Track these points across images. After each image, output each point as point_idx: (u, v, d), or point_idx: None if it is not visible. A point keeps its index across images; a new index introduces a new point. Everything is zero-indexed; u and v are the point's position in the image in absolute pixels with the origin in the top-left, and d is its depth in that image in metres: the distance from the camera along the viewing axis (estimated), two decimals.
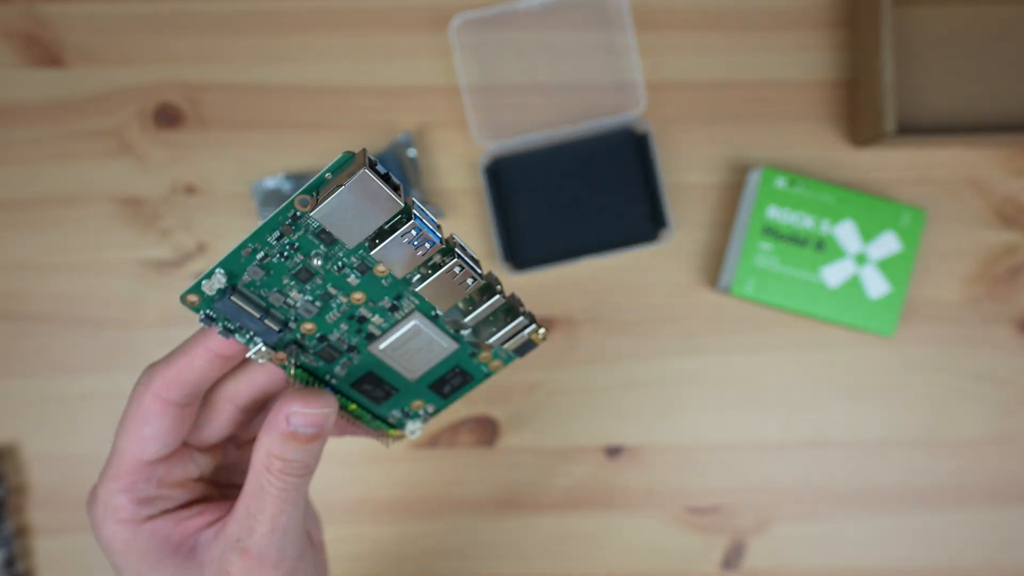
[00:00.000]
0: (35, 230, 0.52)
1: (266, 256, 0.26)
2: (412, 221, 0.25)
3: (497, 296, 0.27)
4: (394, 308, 0.28)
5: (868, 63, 0.50)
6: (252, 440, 0.32)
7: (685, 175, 0.53)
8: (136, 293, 0.52)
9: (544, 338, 0.28)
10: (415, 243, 0.25)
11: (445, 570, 0.52)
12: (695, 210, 0.53)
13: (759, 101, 0.53)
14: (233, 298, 0.26)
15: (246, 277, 0.26)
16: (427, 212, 0.25)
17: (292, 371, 0.28)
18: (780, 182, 0.50)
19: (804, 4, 0.53)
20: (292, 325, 0.27)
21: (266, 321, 0.27)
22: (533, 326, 0.28)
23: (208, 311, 0.26)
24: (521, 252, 0.52)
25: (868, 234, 0.50)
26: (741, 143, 0.53)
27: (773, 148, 0.53)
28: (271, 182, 0.51)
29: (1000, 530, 0.52)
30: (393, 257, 0.25)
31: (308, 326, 0.28)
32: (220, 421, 0.30)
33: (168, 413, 0.27)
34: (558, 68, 0.53)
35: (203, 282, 0.26)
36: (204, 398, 0.30)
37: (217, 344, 0.27)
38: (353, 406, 0.31)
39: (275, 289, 0.26)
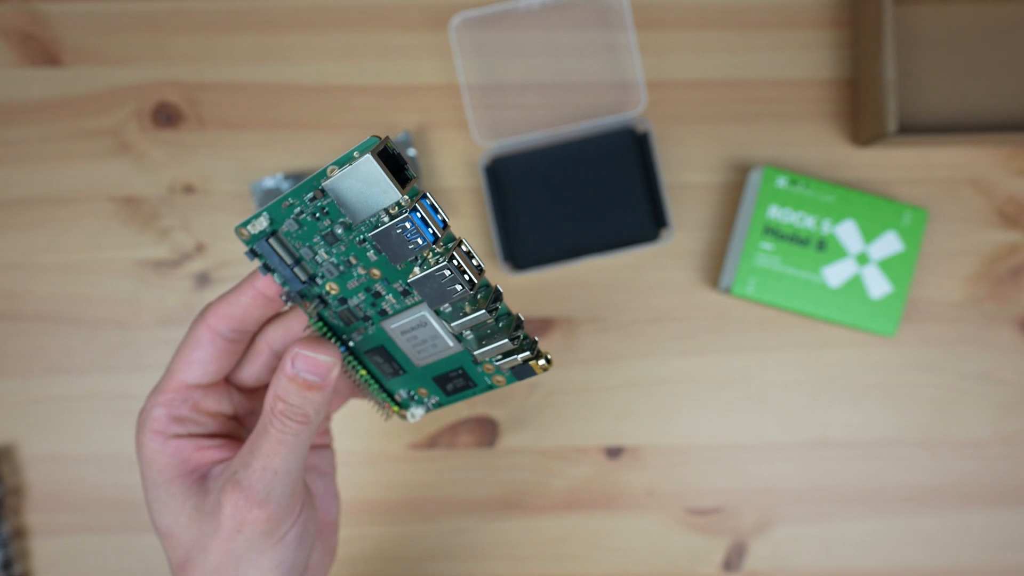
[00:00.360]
0: (33, 229, 0.52)
1: (301, 212, 0.28)
2: (406, 214, 0.25)
3: (482, 311, 0.27)
4: (406, 293, 0.29)
5: (869, 62, 0.50)
6: None
7: (686, 174, 0.53)
8: (135, 293, 0.52)
9: (545, 369, 0.28)
10: (408, 236, 0.26)
11: (445, 571, 0.52)
12: (696, 210, 0.53)
13: (760, 100, 0.53)
14: (270, 241, 0.28)
15: (284, 227, 0.28)
16: (435, 210, 0.26)
17: (312, 320, 0.30)
18: (781, 181, 0.50)
19: (805, 3, 0.53)
20: (319, 281, 0.29)
21: (295, 269, 0.29)
22: (527, 353, 0.28)
23: (254, 247, 0.29)
24: (521, 252, 0.52)
25: (869, 234, 0.50)
26: (742, 142, 0.53)
27: (774, 147, 0.53)
28: (270, 182, 0.51)
29: (1002, 530, 0.52)
30: (387, 245, 0.26)
31: (332, 286, 0.29)
32: (258, 364, 0.32)
33: (214, 343, 0.30)
34: (558, 67, 0.53)
35: (251, 221, 0.28)
36: (250, 343, 0.32)
37: (261, 283, 0.30)
38: (363, 372, 0.32)
39: (306, 244, 0.28)
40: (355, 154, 0.25)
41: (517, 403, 0.52)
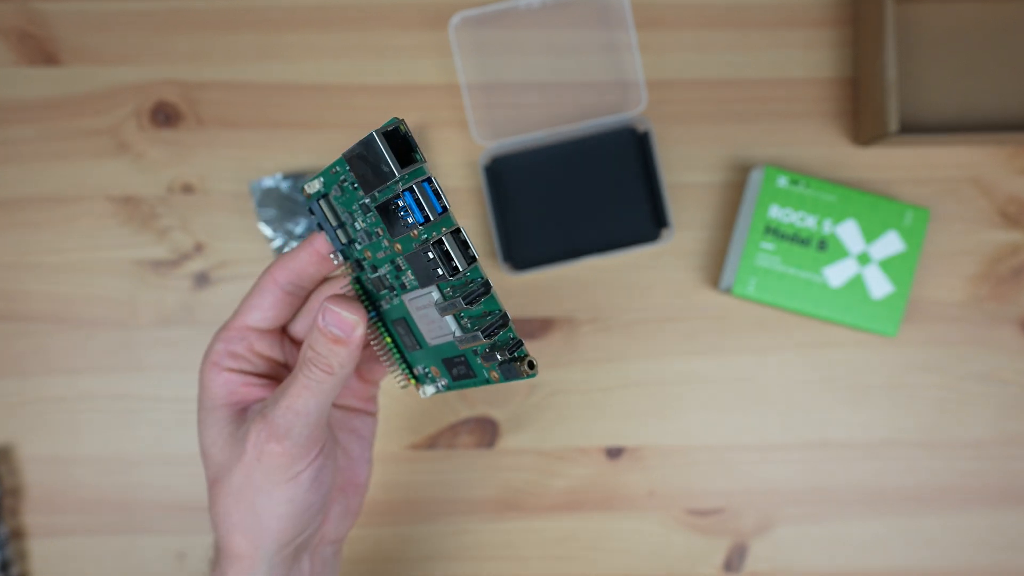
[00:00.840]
0: (31, 229, 0.51)
1: (344, 180, 0.30)
2: (401, 193, 0.27)
3: (459, 299, 0.28)
4: None
5: (870, 61, 0.50)
6: None
7: (686, 174, 0.53)
8: (133, 293, 0.51)
9: (528, 374, 0.28)
10: (401, 213, 0.28)
11: (445, 572, 0.52)
12: (696, 209, 0.52)
13: (761, 100, 0.53)
14: (320, 202, 0.31)
15: (332, 192, 0.31)
16: (436, 195, 0.27)
17: (351, 280, 0.33)
18: (782, 181, 0.50)
19: (806, 2, 0.53)
20: (357, 246, 0.31)
21: (338, 231, 0.31)
22: (507, 354, 0.28)
23: (310, 206, 0.32)
24: (521, 252, 0.52)
25: (871, 234, 0.50)
26: (743, 142, 0.53)
27: (775, 147, 0.53)
28: (269, 181, 0.51)
29: (1003, 532, 0.52)
30: (386, 218, 0.28)
31: (368, 253, 0.31)
32: (310, 319, 0.35)
33: (273, 292, 0.33)
34: (558, 66, 0.52)
35: (310, 181, 0.31)
36: (305, 299, 0.35)
37: (317, 242, 0.33)
38: (388, 339, 0.34)
39: (348, 211, 0.31)
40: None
41: (517, 403, 0.52)
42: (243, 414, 0.33)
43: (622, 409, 0.52)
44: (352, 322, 0.30)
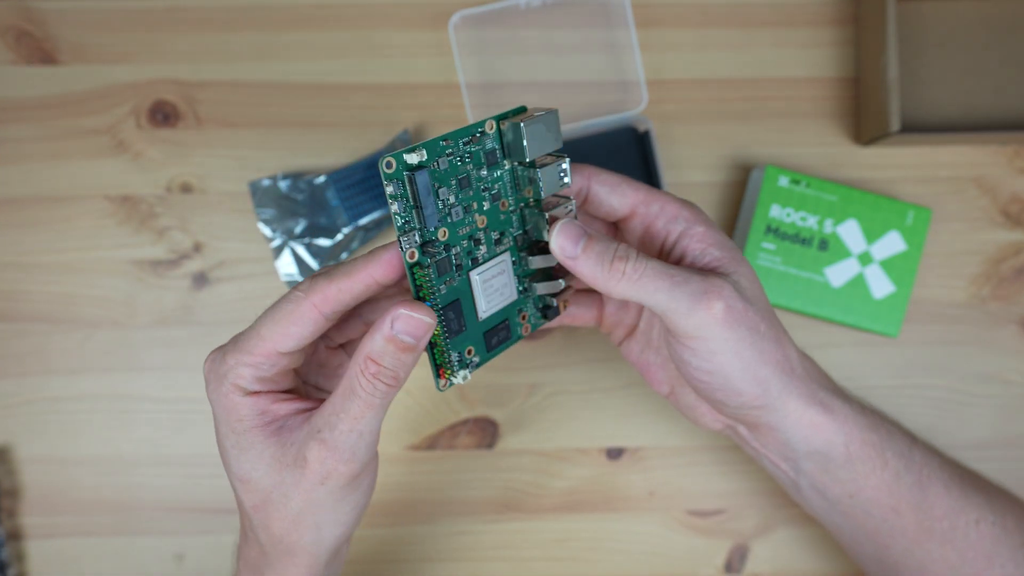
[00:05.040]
0: (29, 229, 0.51)
1: (452, 153, 0.32)
2: (567, 157, 0.34)
3: (550, 254, 0.35)
4: (498, 241, 0.35)
5: (872, 60, 0.50)
6: (342, 345, 0.37)
7: (687, 173, 0.52)
8: (131, 293, 0.51)
9: (566, 305, 0.38)
10: (560, 173, 0.34)
11: (444, 573, 0.51)
12: None
13: (762, 99, 0.53)
14: (428, 174, 0.31)
15: (436, 164, 0.32)
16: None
17: (414, 268, 0.32)
18: (783, 180, 0.49)
19: (807, 0, 0.53)
20: (431, 227, 0.32)
21: (414, 212, 0.31)
22: (567, 290, 0.37)
23: (412, 174, 0.31)
24: None
25: (872, 233, 0.49)
26: (744, 141, 0.52)
27: (776, 146, 0.52)
28: (268, 181, 0.50)
29: None
30: (546, 178, 0.34)
31: (443, 232, 0.33)
32: (337, 326, 0.35)
33: (316, 322, 0.32)
34: (558, 66, 0.52)
35: (406, 154, 0.31)
36: None
37: (382, 272, 0.31)
38: (437, 329, 0.34)
39: (443, 186, 0.32)
40: (510, 115, 0.34)
41: (517, 404, 0.52)
42: (279, 432, 0.32)
43: (622, 409, 0.52)
44: (427, 324, 0.30)
